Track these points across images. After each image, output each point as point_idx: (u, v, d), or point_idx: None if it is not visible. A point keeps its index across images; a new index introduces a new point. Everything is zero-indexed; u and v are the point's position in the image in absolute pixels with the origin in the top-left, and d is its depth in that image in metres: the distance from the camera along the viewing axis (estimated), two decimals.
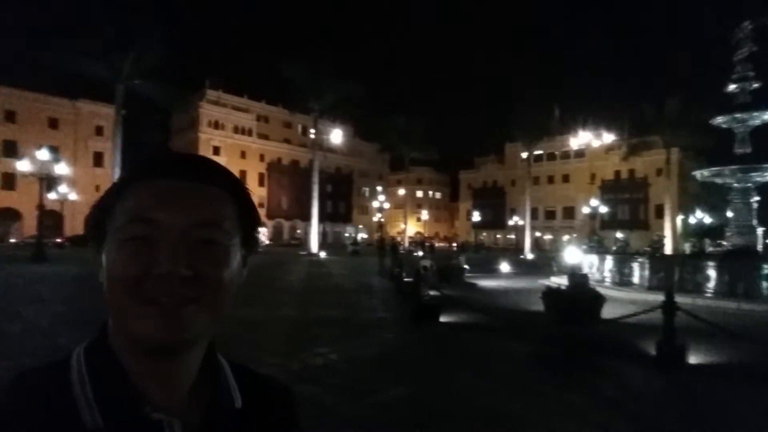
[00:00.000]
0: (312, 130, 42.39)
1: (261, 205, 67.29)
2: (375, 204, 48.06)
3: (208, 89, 65.64)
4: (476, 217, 62.24)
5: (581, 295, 7.83)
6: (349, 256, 37.41)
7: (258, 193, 67.08)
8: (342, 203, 75.32)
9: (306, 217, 42.51)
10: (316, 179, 39.89)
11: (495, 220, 76.87)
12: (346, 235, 71.21)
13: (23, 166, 24.81)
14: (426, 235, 69.97)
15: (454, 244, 45.69)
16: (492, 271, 22.77)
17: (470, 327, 8.87)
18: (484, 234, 78.02)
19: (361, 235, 74.39)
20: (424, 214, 74.60)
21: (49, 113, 51.54)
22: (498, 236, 79.82)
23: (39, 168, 22.45)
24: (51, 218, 43.40)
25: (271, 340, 7.84)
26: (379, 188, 55.91)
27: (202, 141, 62.58)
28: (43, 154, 22.42)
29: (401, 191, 66.37)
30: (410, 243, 50.87)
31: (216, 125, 64.27)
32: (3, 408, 0.49)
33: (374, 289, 15.66)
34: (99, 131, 53.49)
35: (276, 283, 16.87)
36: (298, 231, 65.45)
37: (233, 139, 65.48)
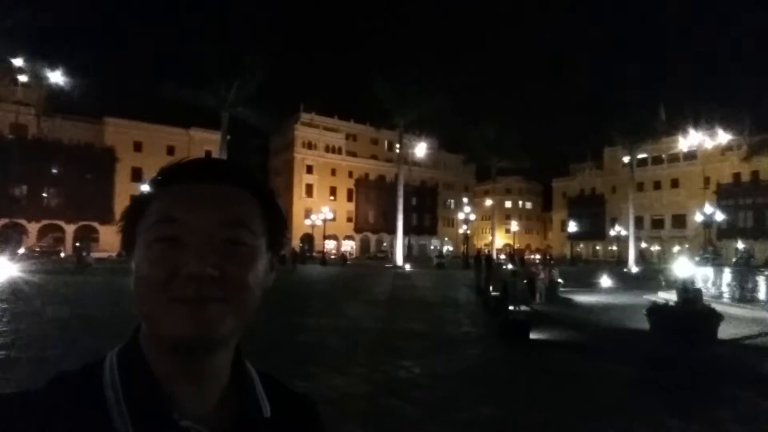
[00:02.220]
0: (397, 145, 43.14)
1: (349, 219, 69.62)
2: (460, 216, 47.33)
3: (303, 112, 69.84)
4: (572, 227, 58.64)
5: (693, 312, 7.01)
6: (434, 268, 37.16)
7: (347, 208, 69.53)
8: (427, 216, 75.29)
9: (392, 231, 43.13)
10: (400, 193, 40.38)
11: (593, 231, 71.78)
12: (432, 247, 70.93)
13: (144, 189, 28.16)
14: (516, 247, 67.34)
15: (536, 257, 43.22)
16: (590, 286, 21.22)
17: (563, 345, 8.33)
18: (581, 245, 73.17)
19: (447, 248, 73.61)
20: (514, 225, 71.84)
21: (168, 141, 58.16)
22: (597, 248, 74.37)
23: None
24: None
25: (354, 351, 8.00)
26: (465, 199, 55.07)
27: (297, 161, 66.48)
28: None
29: (488, 202, 64.69)
30: (498, 255, 49.25)
31: (309, 145, 67.95)
32: (37, 409, 0.50)
33: (460, 302, 15.36)
34: (208, 155, 59.21)
35: (362, 295, 17.24)
36: (384, 244, 66.42)
37: (324, 158, 68.71)
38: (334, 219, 61.41)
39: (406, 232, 43.21)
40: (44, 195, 46.88)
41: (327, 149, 69.36)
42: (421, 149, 50.78)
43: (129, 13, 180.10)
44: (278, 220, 0.62)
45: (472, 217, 45.19)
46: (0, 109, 44.97)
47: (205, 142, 58.11)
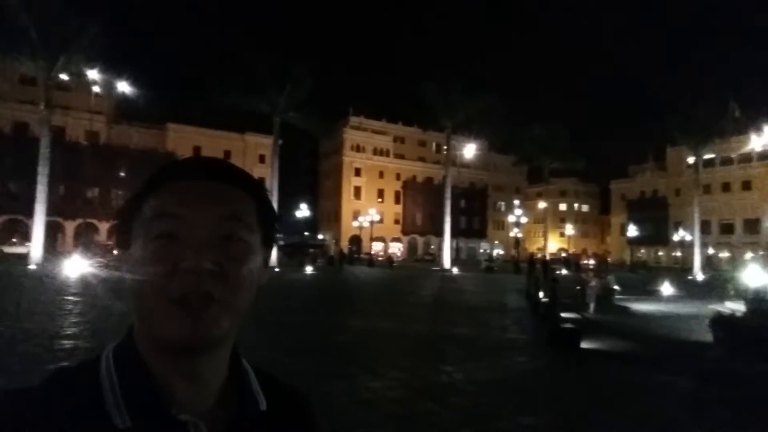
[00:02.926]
0: (445, 147, 42.74)
1: (397, 221, 69.69)
2: (511, 218, 46.10)
3: (351, 116, 70.80)
4: (632, 231, 55.56)
5: (764, 324, 6.38)
6: (483, 272, 36.41)
7: (394, 210, 69.66)
8: (476, 218, 73.97)
9: (439, 233, 42.68)
10: (448, 195, 39.93)
11: (655, 236, 67.71)
12: (481, 251, 69.56)
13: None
14: (572, 251, 64.72)
15: (589, 262, 41.01)
16: (649, 293, 19.98)
17: (617, 356, 7.86)
18: (642, 251, 69.23)
19: (497, 251, 71.91)
20: (569, 229, 69.12)
21: (224, 146, 60.87)
22: (660, 253, 70.11)
23: None
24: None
25: (395, 353, 7.93)
26: (516, 202, 53.61)
27: (346, 164, 67.44)
28: None
29: (541, 204, 62.69)
30: (551, 260, 47.49)
31: (358, 148, 68.76)
32: (36, 405, 0.51)
33: (508, 308, 14.90)
34: (262, 159, 61.26)
35: (406, 297, 17.15)
36: (432, 247, 65.93)
37: (372, 160, 69.25)
38: (381, 221, 61.77)
39: (454, 235, 42.63)
40: (113, 197, 50.22)
41: (375, 152, 69.85)
42: (469, 151, 49.98)
43: (187, 24, 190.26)
44: (272, 217, 0.63)
45: (524, 219, 43.88)
46: (76, 117, 48.85)
47: (259, 147, 60.20)
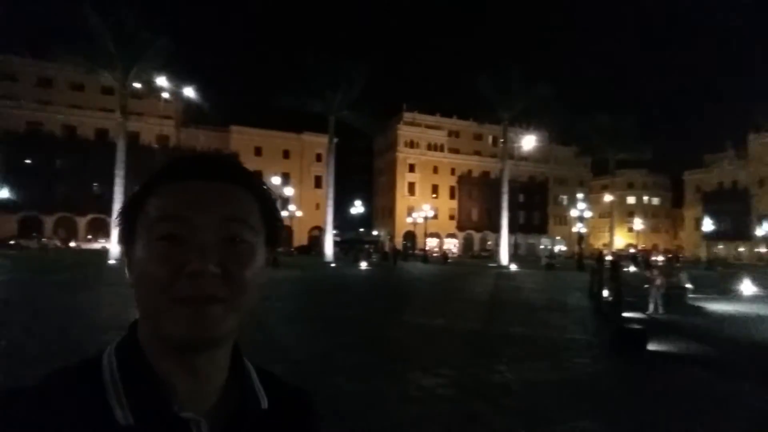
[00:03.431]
0: (501, 140, 41.63)
1: (452, 217, 68.87)
2: (574, 213, 44.05)
3: (405, 112, 70.77)
4: (708, 226, 51.69)
5: None
6: (543, 269, 35.11)
7: (449, 205, 68.87)
8: (536, 213, 71.49)
9: (496, 229, 41.65)
10: (505, 189, 38.88)
11: (736, 230, 62.22)
12: (541, 247, 67.19)
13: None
14: (641, 247, 60.97)
15: (657, 258, 38.15)
16: (727, 293, 18.40)
17: (688, 360, 7.30)
18: (720, 246, 63.89)
19: (559, 248, 69.15)
20: (637, 223, 65.09)
21: (283, 146, 63.06)
22: (740, 249, 64.31)
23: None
24: (284, 232, 52.74)
25: (447, 351, 7.82)
26: (580, 195, 51.18)
27: (399, 160, 67.52)
28: (276, 180, 27.46)
29: (607, 198, 59.42)
30: (618, 256, 44.92)
31: (411, 144, 68.62)
32: (38, 404, 0.51)
33: (569, 307, 14.27)
34: (318, 158, 62.78)
35: (460, 294, 16.88)
36: (489, 243, 64.58)
37: (426, 155, 68.84)
38: (435, 217, 61.25)
39: (512, 231, 41.48)
40: None
41: (429, 147, 69.40)
42: (528, 143, 48.30)
43: (246, 30, 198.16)
44: (275, 216, 0.62)
45: (588, 214, 41.80)
46: (148, 123, 52.48)
47: (316, 146, 61.67)
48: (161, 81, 31.43)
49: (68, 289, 13.77)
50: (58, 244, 43.33)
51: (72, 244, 47.06)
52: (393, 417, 4.73)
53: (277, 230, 0.62)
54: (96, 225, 49.62)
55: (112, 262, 25.39)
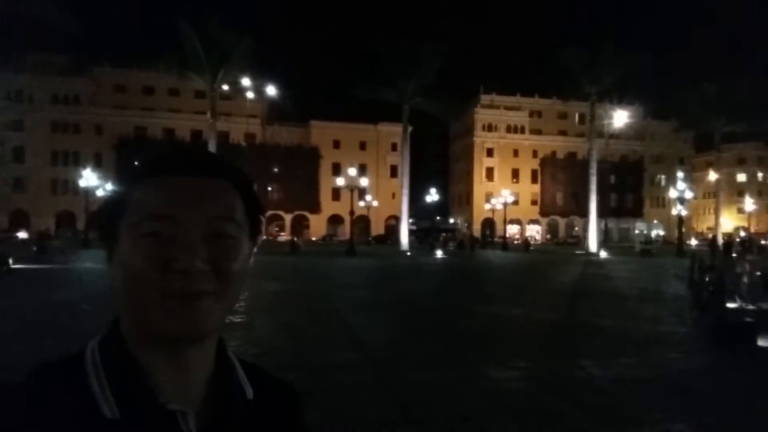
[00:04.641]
0: (589, 118, 38.89)
1: (534, 202, 65.88)
2: (673, 194, 39.96)
3: (482, 94, 68.66)
4: None
5: None
6: (637, 256, 32.46)
7: (531, 190, 65.94)
8: (629, 195, 66.06)
9: (584, 213, 39.19)
10: (593, 170, 36.39)
11: None
12: (636, 232, 61.97)
13: (339, 182, 32.11)
14: (754, 230, 54.03)
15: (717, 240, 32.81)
16: None
17: None
18: None
19: (656, 232, 63.40)
20: (749, 204, 57.66)
21: (360, 137, 64.27)
22: None
23: (349, 182, 28.32)
24: (361, 221, 53.97)
25: (524, 342, 7.50)
26: (680, 174, 46.39)
27: (477, 145, 65.76)
28: (352, 171, 28.17)
29: (712, 176, 53.25)
30: (728, 241, 40.18)
31: (489, 128, 66.47)
32: (22, 400, 0.51)
33: (665, 296, 13.07)
34: (394, 147, 63.07)
35: (541, 283, 16.14)
36: (576, 228, 61.03)
37: (506, 138, 66.32)
38: (516, 202, 58.97)
39: (602, 215, 38.79)
40: (269, 189, 56.72)
41: (509, 129, 66.83)
42: (619, 119, 44.62)
43: (322, 26, 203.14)
44: (258, 210, 0.63)
45: (689, 194, 37.71)
46: (236, 122, 56.13)
47: (391, 135, 62.03)
48: (245, 81, 33.41)
49: None
50: None
51: None
52: (459, 408, 4.62)
53: (259, 224, 0.63)
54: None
55: None
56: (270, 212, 60.32)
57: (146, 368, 0.56)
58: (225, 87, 33.46)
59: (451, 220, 69.21)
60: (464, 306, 10.95)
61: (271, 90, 36.15)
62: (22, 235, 43.77)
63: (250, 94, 37.79)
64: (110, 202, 0.59)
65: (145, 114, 57.72)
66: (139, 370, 0.55)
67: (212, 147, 30.84)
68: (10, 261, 16.32)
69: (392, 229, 54.28)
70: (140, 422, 0.52)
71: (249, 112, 51.44)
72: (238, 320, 8.29)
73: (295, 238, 34.34)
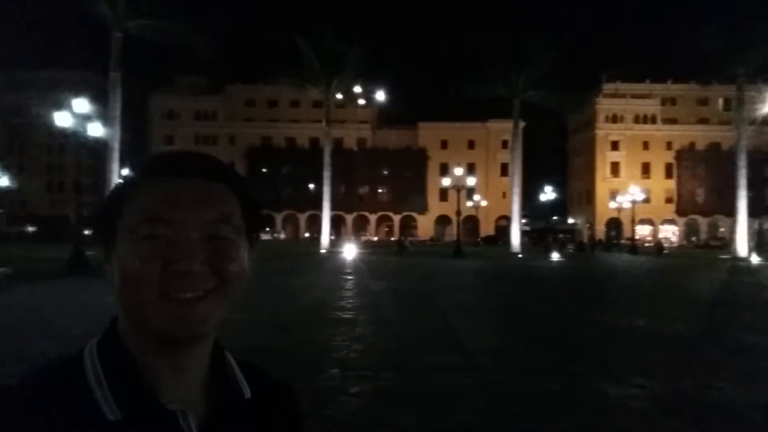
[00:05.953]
0: (736, 102, 33.64)
1: (669, 200, 58.95)
2: None
3: (605, 83, 63.39)
4: None
5: None
6: None
7: (664, 186, 59.16)
8: None
9: (730, 212, 33.99)
10: (743, 163, 31.44)
11: None
12: None
13: (445, 182, 32.02)
14: None
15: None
16: None
17: None
18: None
19: None
20: None
21: (468, 136, 63.50)
22: None
23: (455, 182, 28.09)
24: (470, 222, 53.17)
25: (646, 357, 6.73)
26: None
27: (599, 138, 60.83)
28: (458, 171, 27.89)
29: None
30: None
31: (614, 119, 61.14)
32: (24, 402, 0.51)
33: None
34: (504, 145, 61.08)
35: (674, 291, 14.42)
36: (721, 229, 53.32)
37: (633, 130, 60.43)
38: (647, 200, 53.33)
39: (754, 214, 33.41)
40: (379, 191, 58.86)
41: (636, 120, 60.80)
42: None
43: (427, 28, 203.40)
44: (255, 212, 0.64)
45: None
46: (349, 128, 59.18)
47: (502, 132, 60.19)
48: (356, 89, 35.07)
49: (288, 273, 16.50)
50: (284, 236, 52.93)
51: (306, 234, 56.82)
52: (561, 424, 4.32)
53: (256, 225, 0.64)
54: (313, 220, 58.49)
55: (323, 251, 29.52)
56: (380, 213, 62.50)
57: (145, 369, 0.56)
58: (338, 96, 35.43)
59: (570, 220, 64.90)
60: (579, 314, 10.19)
61: (379, 95, 37.40)
62: None
63: (361, 101, 39.53)
64: (109, 203, 0.59)
65: (270, 125, 63.85)
66: (138, 370, 0.56)
67: (327, 153, 32.85)
68: None
69: (503, 230, 52.60)
70: (141, 423, 0.53)
71: (360, 118, 53.94)
72: (346, 316, 8.72)
73: (403, 239, 35.02)
